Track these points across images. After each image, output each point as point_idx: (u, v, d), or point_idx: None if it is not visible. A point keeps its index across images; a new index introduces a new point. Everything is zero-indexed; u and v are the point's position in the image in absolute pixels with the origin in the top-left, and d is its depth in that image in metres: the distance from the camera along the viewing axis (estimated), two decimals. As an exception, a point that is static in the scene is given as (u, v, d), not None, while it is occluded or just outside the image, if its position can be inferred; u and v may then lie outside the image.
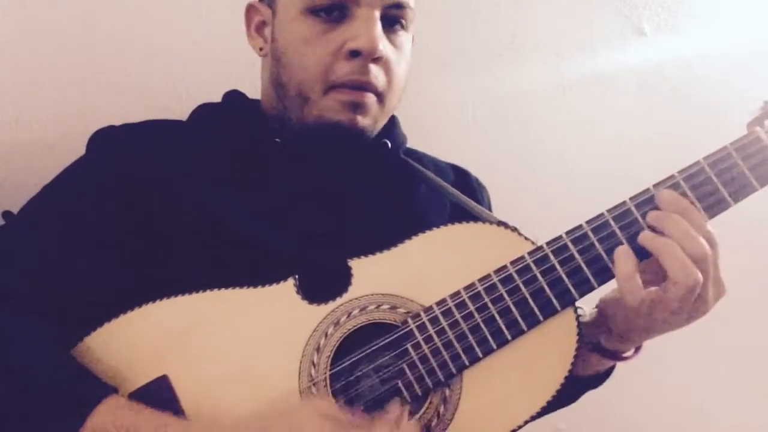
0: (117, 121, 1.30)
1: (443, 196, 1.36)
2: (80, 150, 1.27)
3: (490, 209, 1.45)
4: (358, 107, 1.20)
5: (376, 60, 1.20)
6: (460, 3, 1.83)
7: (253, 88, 1.37)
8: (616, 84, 1.99)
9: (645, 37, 2.00)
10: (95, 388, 1.04)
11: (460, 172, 1.47)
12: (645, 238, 1.10)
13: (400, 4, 1.22)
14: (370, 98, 1.21)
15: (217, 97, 1.37)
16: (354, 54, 1.18)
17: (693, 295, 1.08)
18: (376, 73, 1.20)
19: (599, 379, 1.30)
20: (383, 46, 1.20)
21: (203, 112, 1.34)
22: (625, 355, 1.21)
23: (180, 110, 1.41)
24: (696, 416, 2.04)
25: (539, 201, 1.91)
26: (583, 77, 1.95)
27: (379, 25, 1.19)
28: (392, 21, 1.23)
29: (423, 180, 1.36)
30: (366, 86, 1.20)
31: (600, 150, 1.97)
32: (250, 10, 1.30)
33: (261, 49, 1.28)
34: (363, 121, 1.21)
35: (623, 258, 1.09)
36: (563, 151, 1.95)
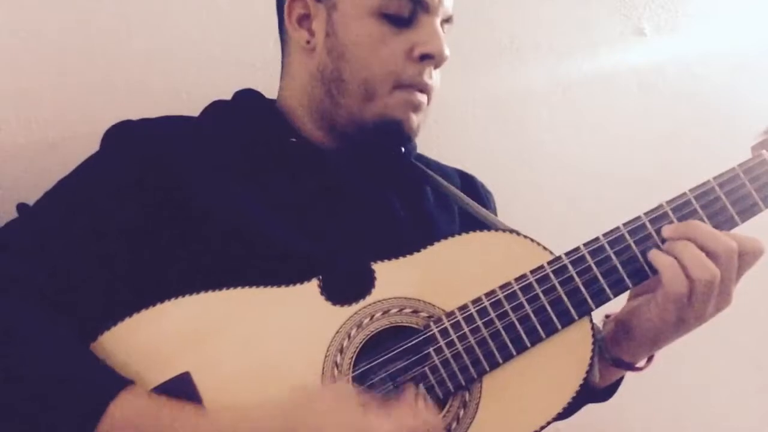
0: (117, 121, 1.29)
1: (451, 201, 1.38)
2: (81, 151, 1.26)
3: (495, 214, 1.46)
4: (417, 108, 1.25)
5: (438, 65, 1.26)
6: (460, 3, 1.83)
7: (256, 88, 1.37)
8: (616, 84, 2.00)
9: (645, 37, 2.01)
10: (114, 380, 1.03)
11: (465, 177, 1.49)
12: (654, 254, 1.14)
13: (450, 18, 1.29)
14: (425, 100, 1.27)
15: (218, 97, 1.36)
16: (424, 58, 1.23)
17: (713, 288, 1.11)
18: (435, 75, 1.27)
19: (609, 391, 1.33)
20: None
21: (218, 109, 1.34)
22: (638, 365, 1.25)
23: (181, 110, 1.40)
24: (696, 417, 2.06)
25: (539, 200, 1.93)
26: (583, 77, 1.97)
27: (442, 33, 1.25)
28: None
29: (432, 185, 1.38)
30: (428, 89, 1.26)
31: (600, 150, 1.98)
32: (292, 3, 1.29)
33: (308, 42, 1.28)
34: (416, 120, 1.26)
35: (659, 254, 1.13)
36: (563, 151, 1.96)
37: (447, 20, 1.28)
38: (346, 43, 1.24)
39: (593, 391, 1.27)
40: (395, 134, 1.26)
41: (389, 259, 1.14)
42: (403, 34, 1.23)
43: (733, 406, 2.08)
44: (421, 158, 1.43)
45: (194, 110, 1.35)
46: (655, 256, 1.13)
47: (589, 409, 1.32)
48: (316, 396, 1.03)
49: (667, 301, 1.14)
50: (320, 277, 1.13)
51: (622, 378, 1.31)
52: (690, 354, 1.91)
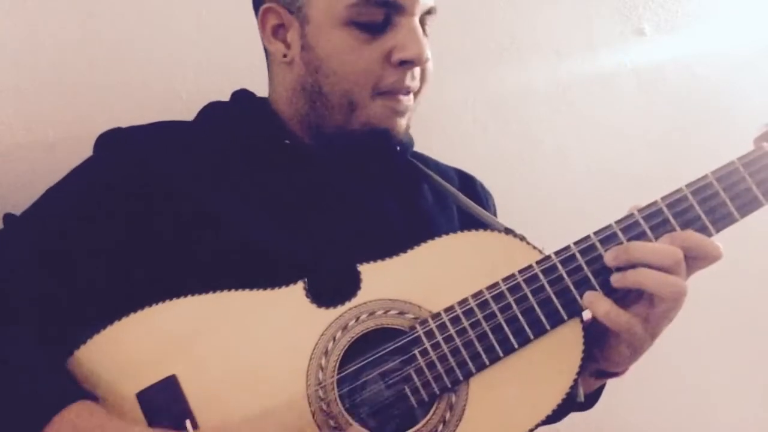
0: (117, 122, 1.29)
1: (450, 200, 1.37)
2: (80, 151, 1.27)
3: (495, 215, 1.45)
4: (402, 112, 1.24)
5: (419, 66, 1.23)
6: (460, 3, 1.83)
7: (254, 88, 1.37)
8: (616, 84, 1.99)
9: (645, 37, 2.00)
10: (60, 394, 1.03)
11: (464, 176, 1.48)
12: (616, 281, 1.10)
13: (431, 10, 1.25)
14: (410, 100, 1.25)
15: (216, 98, 1.36)
16: (403, 63, 1.21)
17: (682, 301, 1.09)
18: (417, 74, 1.24)
19: (592, 400, 1.31)
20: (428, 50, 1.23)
21: (211, 111, 1.33)
22: (617, 371, 1.22)
23: (180, 111, 1.40)
24: (695, 416, 2.05)
25: (539, 201, 1.92)
26: (583, 77, 1.96)
27: (422, 33, 1.22)
28: (422, 24, 1.25)
29: (429, 184, 1.37)
30: (412, 90, 1.24)
31: (600, 150, 1.97)
32: (266, 12, 1.26)
33: (285, 55, 1.26)
34: (403, 123, 1.25)
35: (595, 301, 1.10)
36: (563, 151, 1.96)
37: (428, 12, 1.25)
38: (321, 56, 1.22)
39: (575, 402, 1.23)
40: (383, 141, 1.25)
41: (375, 260, 1.14)
42: (380, 40, 1.20)
43: (733, 406, 2.07)
44: (419, 157, 1.42)
45: (193, 110, 1.35)
46: (592, 307, 1.10)
47: (590, 409, 1.33)
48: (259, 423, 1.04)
49: (629, 338, 1.12)
50: (306, 280, 1.12)
51: (604, 385, 1.30)
52: (689, 354, 1.91)
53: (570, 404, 1.15)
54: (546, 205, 1.91)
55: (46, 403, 1.01)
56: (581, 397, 1.16)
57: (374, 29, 1.20)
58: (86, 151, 1.27)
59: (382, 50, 1.20)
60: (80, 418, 1.01)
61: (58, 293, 1.13)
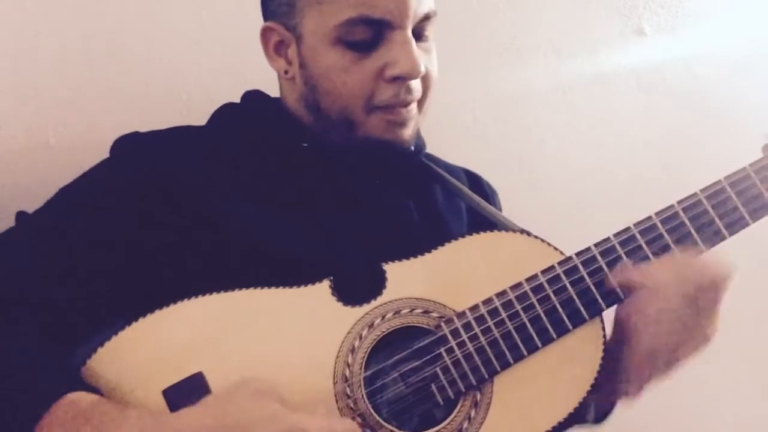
0: (117, 123, 1.29)
1: (458, 200, 1.38)
2: (80, 153, 1.26)
3: (500, 214, 1.45)
4: (402, 124, 1.23)
5: (413, 79, 1.21)
6: (460, 3, 1.83)
7: (254, 88, 1.36)
8: (616, 84, 2.01)
9: (645, 37, 2.01)
10: (58, 386, 1.02)
11: (471, 176, 1.49)
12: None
13: (428, 15, 1.23)
14: (412, 110, 1.24)
15: (217, 99, 1.36)
16: (396, 79, 1.20)
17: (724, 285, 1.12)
18: (415, 86, 1.22)
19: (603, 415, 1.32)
20: (422, 63, 1.20)
21: (225, 115, 1.33)
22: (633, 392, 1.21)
23: (181, 112, 1.40)
24: (697, 415, 2.06)
25: (539, 200, 1.92)
26: (583, 77, 1.97)
27: (415, 46, 1.20)
28: (421, 31, 1.23)
29: (440, 184, 1.38)
30: (409, 103, 1.22)
31: (600, 150, 1.98)
32: (266, 32, 1.27)
33: (286, 72, 1.27)
34: (406, 133, 1.24)
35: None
36: (563, 151, 1.97)
37: (425, 19, 1.22)
38: (315, 75, 1.22)
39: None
40: (388, 152, 1.25)
41: (400, 259, 1.15)
42: (372, 57, 1.19)
43: (735, 406, 2.08)
44: (429, 157, 1.42)
45: (194, 111, 1.35)
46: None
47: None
48: (238, 392, 1.00)
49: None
50: (331, 278, 1.13)
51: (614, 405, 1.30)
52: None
53: (579, 416, 1.17)
54: (546, 205, 1.91)
55: (42, 396, 1.00)
56: (591, 417, 1.22)
57: (364, 47, 1.20)
58: (86, 153, 1.26)
59: (374, 67, 1.20)
60: (80, 400, 0.99)
61: (73, 292, 1.13)
